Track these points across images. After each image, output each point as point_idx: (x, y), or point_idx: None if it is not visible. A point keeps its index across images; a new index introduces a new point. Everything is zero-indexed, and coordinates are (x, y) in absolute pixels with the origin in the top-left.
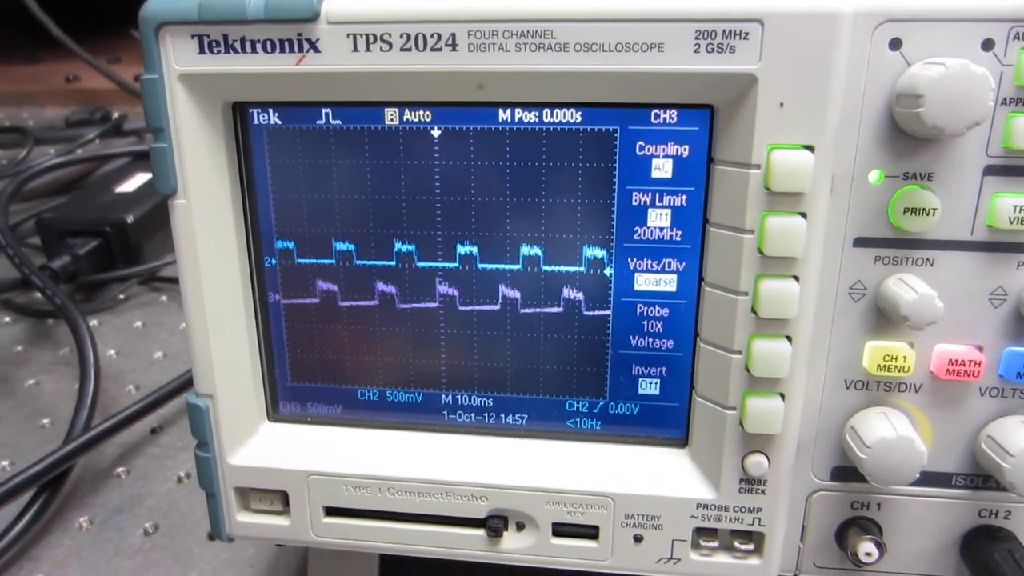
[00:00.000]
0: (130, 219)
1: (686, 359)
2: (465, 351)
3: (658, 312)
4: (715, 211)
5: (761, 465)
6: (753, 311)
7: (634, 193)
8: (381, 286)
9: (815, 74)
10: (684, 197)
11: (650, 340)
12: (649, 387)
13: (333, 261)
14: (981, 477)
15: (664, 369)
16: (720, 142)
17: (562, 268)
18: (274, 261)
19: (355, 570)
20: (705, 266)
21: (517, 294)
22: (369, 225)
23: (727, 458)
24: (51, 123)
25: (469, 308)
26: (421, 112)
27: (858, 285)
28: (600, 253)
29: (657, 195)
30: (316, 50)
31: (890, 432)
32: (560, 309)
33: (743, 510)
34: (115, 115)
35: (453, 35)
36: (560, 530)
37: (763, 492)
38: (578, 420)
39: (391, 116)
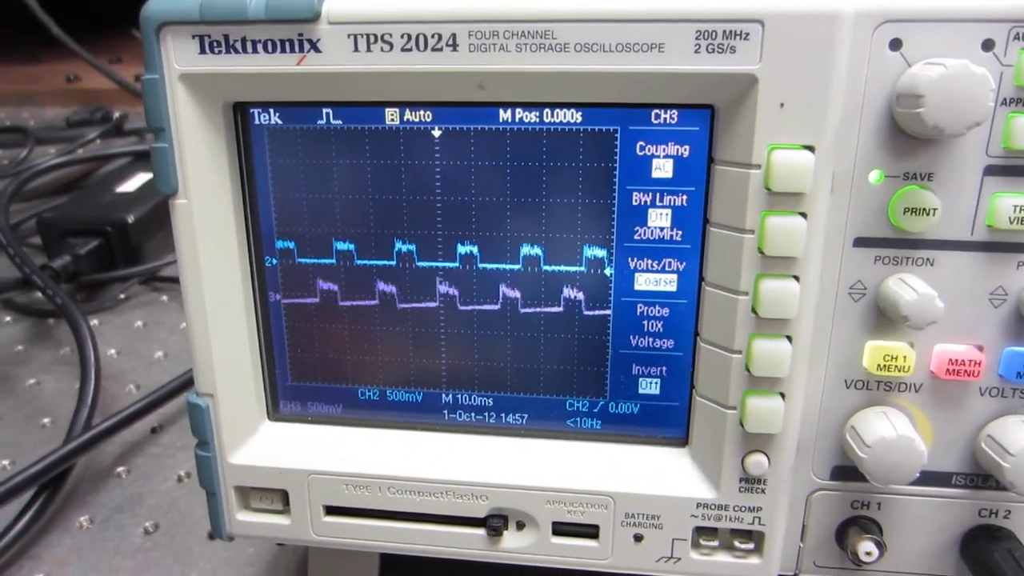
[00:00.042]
0: (131, 219)
1: (686, 359)
2: (465, 351)
3: (658, 312)
4: (715, 211)
5: (761, 464)
6: (753, 311)
7: (634, 193)
8: (381, 286)
9: (815, 74)
10: (684, 197)
11: (650, 340)
12: (649, 387)
13: (333, 261)
14: (981, 476)
15: (664, 369)
16: (720, 142)
17: (562, 268)
18: (275, 261)
19: (355, 569)
20: (705, 266)
21: (517, 294)
22: (369, 225)
23: (727, 457)
24: (52, 123)
25: (469, 308)
26: (422, 112)
27: (858, 285)
28: (600, 253)
29: (657, 195)
30: (317, 50)
31: (890, 432)
32: (560, 309)
33: (743, 509)
34: (116, 115)
35: (454, 35)
36: (560, 529)
37: (763, 491)
38: (578, 419)
39: (392, 116)
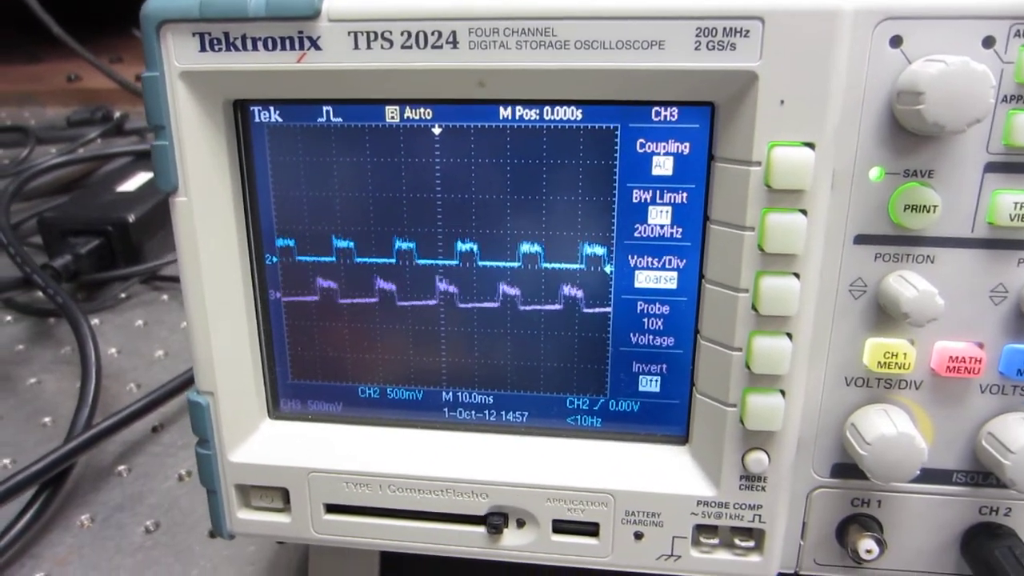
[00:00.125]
0: (131, 218)
1: (686, 356)
2: (465, 348)
3: (659, 309)
4: (716, 208)
5: (761, 462)
6: (754, 308)
7: (635, 190)
8: (381, 283)
9: (816, 71)
10: (685, 194)
11: (651, 337)
12: (649, 384)
13: (333, 259)
14: (982, 474)
15: (664, 366)
16: (721, 139)
17: (562, 265)
18: (275, 259)
19: (356, 567)
20: (706, 263)
21: (517, 291)
22: (369, 223)
23: (727, 455)
24: (53, 122)
25: (469, 305)
26: (422, 110)
27: (858, 282)
28: (601, 250)
29: (658, 192)
30: (317, 48)
31: (890, 429)
32: (560, 306)
33: (743, 507)
34: (116, 115)
35: (454, 33)
36: (560, 527)
37: (763, 489)
38: (578, 417)
39: (392, 114)
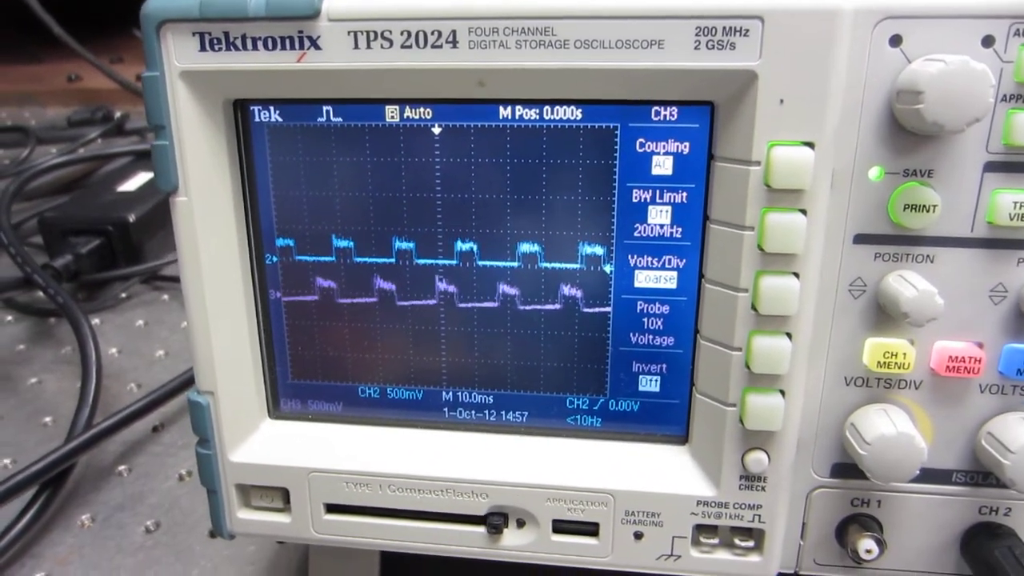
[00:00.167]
0: (132, 218)
1: (686, 356)
2: (465, 348)
3: (658, 309)
4: (715, 208)
5: (761, 462)
6: (753, 308)
7: (634, 190)
8: (380, 283)
9: (815, 71)
10: (684, 194)
11: (650, 337)
12: (649, 384)
13: (333, 258)
14: (981, 474)
15: (664, 366)
16: (720, 139)
17: (562, 265)
18: (275, 258)
19: (356, 567)
20: (705, 263)
21: (516, 291)
22: (369, 222)
23: (727, 455)
24: (53, 123)
25: (468, 305)
26: (422, 109)
27: (858, 282)
28: (600, 250)
29: (657, 192)
30: (317, 47)
31: (890, 429)
32: (560, 306)
33: (743, 507)
34: (117, 115)
35: (454, 32)
36: (560, 527)
37: (763, 489)
38: (578, 417)
39: (392, 113)
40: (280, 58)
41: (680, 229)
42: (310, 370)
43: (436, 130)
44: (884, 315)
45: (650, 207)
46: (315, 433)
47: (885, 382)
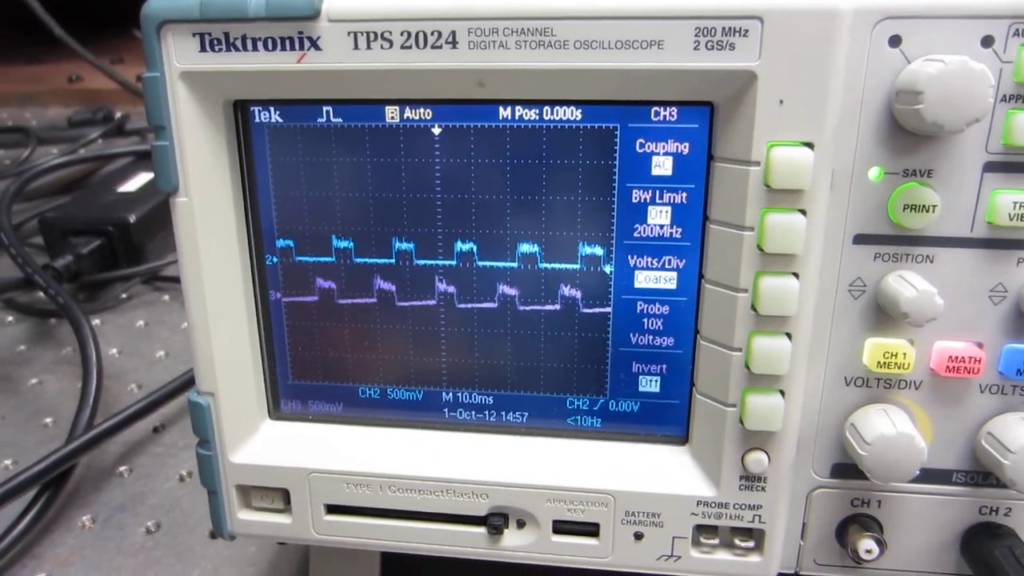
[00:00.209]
0: (132, 218)
1: (686, 356)
2: (465, 349)
3: (658, 309)
4: (715, 208)
5: (761, 462)
6: (753, 308)
7: (634, 191)
8: (380, 284)
9: (815, 71)
10: (684, 194)
11: (650, 337)
12: (649, 384)
13: (333, 259)
14: (981, 474)
15: (664, 366)
16: (720, 139)
17: (562, 266)
18: (275, 259)
19: (356, 568)
20: (705, 263)
21: (516, 292)
22: (369, 223)
23: (727, 455)
24: (54, 123)
25: (468, 306)
26: (422, 110)
27: (858, 282)
28: (600, 250)
29: (657, 192)
30: (317, 48)
31: (890, 429)
32: (560, 307)
33: (743, 507)
34: (117, 115)
35: (453, 33)
36: (560, 528)
37: (763, 489)
38: (578, 418)
39: (392, 114)
40: (280, 59)
41: (680, 229)
42: (310, 371)
43: (436, 130)
44: (884, 315)
45: (650, 207)
46: (315, 434)
47: (885, 382)
